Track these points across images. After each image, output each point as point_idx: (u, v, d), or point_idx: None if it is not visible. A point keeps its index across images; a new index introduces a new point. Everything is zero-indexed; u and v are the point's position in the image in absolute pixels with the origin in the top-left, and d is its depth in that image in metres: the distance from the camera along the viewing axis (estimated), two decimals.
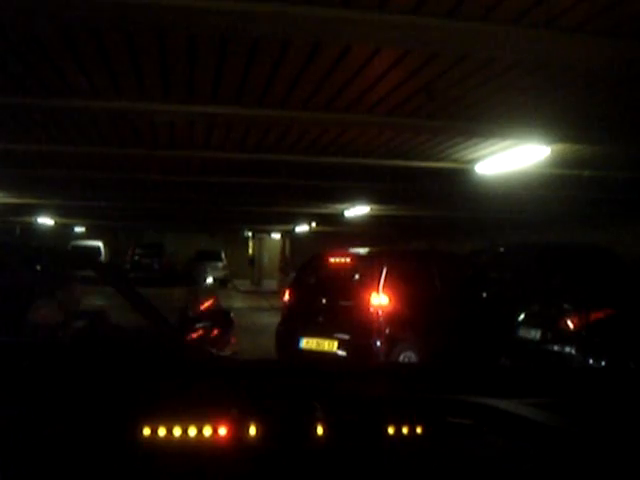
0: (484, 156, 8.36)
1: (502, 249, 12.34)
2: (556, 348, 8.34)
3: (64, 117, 6.75)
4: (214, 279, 27.22)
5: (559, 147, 7.39)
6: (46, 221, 22.97)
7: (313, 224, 22.70)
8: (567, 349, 8.22)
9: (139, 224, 26.54)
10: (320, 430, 1.26)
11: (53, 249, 13.53)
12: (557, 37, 4.04)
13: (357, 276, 9.11)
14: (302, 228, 24.49)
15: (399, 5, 3.72)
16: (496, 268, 11.09)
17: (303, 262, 10.61)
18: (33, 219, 21.86)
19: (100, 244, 30.18)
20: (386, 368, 2.13)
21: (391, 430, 1.26)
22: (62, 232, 27.48)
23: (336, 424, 1.29)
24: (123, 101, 5.80)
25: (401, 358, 8.53)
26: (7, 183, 12.25)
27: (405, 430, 1.27)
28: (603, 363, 7.89)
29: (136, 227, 28.67)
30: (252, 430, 1.23)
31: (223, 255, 31.01)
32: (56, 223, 24.06)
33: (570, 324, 8.25)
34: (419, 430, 1.27)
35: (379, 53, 4.54)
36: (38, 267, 5.00)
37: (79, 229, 30.41)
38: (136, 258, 28.83)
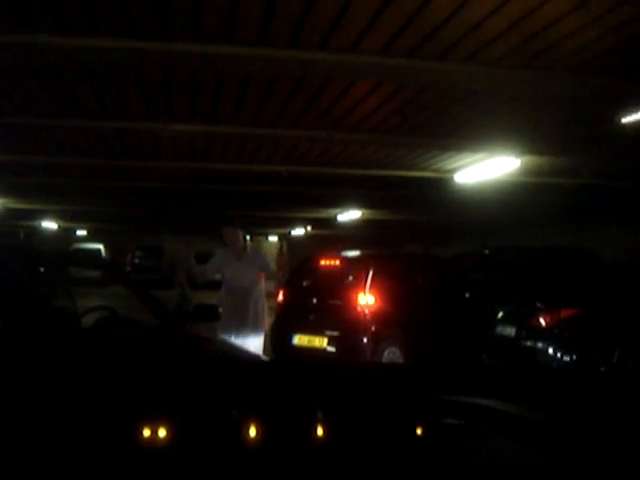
0: (462, 166, 9.05)
1: (487, 252, 12.91)
2: (529, 344, 8.92)
3: (76, 134, 7.44)
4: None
5: (528, 159, 8.07)
6: (50, 225, 23.74)
7: (309, 228, 23.32)
8: (539, 345, 8.79)
9: (139, 227, 27.20)
10: (320, 430, 1.27)
11: (70, 252, 14.08)
12: (504, 73, 4.76)
13: (346, 277, 9.67)
14: (298, 231, 25.10)
15: (368, 48, 4.42)
16: (481, 270, 11.67)
17: (296, 265, 11.19)
18: (37, 223, 22.61)
19: (101, 247, 30.63)
20: (384, 369, 2.10)
21: (391, 430, 1.27)
22: (64, 235, 28.09)
23: (336, 424, 1.30)
24: (130, 121, 6.50)
25: (386, 354, 9.09)
26: (16, 190, 12.93)
27: (404, 430, 1.28)
28: (572, 357, 8.48)
29: (136, 230, 29.26)
30: (252, 430, 1.23)
31: None
32: (60, 227, 24.80)
33: (542, 321, 8.83)
34: (419, 431, 1.30)
35: (356, 84, 5.25)
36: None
37: (81, 232, 31.02)
38: (136, 261, 29.31)
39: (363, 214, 15.95)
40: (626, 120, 5.93)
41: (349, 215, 16.49)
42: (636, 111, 5.75)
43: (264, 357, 4.25)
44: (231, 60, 4.45)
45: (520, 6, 3.85)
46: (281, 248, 29.95)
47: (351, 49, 4.41)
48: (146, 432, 1.14)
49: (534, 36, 4.26)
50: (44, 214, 20.10)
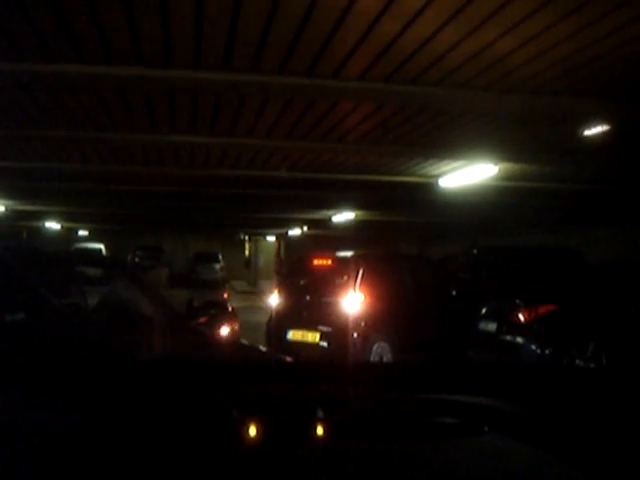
0: (445, 172, 9.69)
1: (475, 251, 13.47)
2: (509, 338, 9.45)
3: (85, 144, 8.07)
4: (209, 280, 27.84)
5: (505, 166, 8.71)
6: (53, 225, 24.46)
7: (305, 228, 23.91)
8: (518, 339, 9.31)
9: (139, 227, 27.83)
10: (320, 430, 1.24)
11: (86, 253, 14.29)
12: (469, 95, 5.38)
13: (337, 276, 10.20)
14: (295, 231, 25.67)
15: (348, 74, 5.04)
16: (469, 269, 12.23)
17: (290, 264, 11.74)
18: (41, 224, 23.30)
19: (102, 246, 31.06)
20: (384, 368, 2.11)
21: (389, 430, 1.23)
22: (66, 235, 28.66)
23: (336, 424, 1.27)
24: (136, 133, 7.13)
25: (374, 348, 9.60)
26: (24, 193, 13.56)
27: (404, 429, 1.25)
28: (549, 350, 9.02)
29: (136, 230, 29.84)
30: (252, 430, 1.22)
31: (220, 257, 31.85)
32: (62, 227, 25.47)
33: (521, 317, 9.35)
34: (418, 431, 1.25)
35: (339, 103, 5.87)
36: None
37: (82, 232, 31.58)
38: (137, 260, 29.82)
39: (356, 215, 16.57)
40: (587, 133, 6.58)
41: (343, 216, 17.12)
42: (595, 126, 6.39)
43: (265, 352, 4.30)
44: (228, 85, 5.07)
45: (477, 41, 4.45)
46: (278, 249, 30.44)
47: (333, 76, 5.02)
48: (153, 430, 1.13)
49: (493, 64, 4.87)
50: (48, 215, 20.78)
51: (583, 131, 6.51)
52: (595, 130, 6.44)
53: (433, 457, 1.09)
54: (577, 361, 8.68)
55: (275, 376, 1.50)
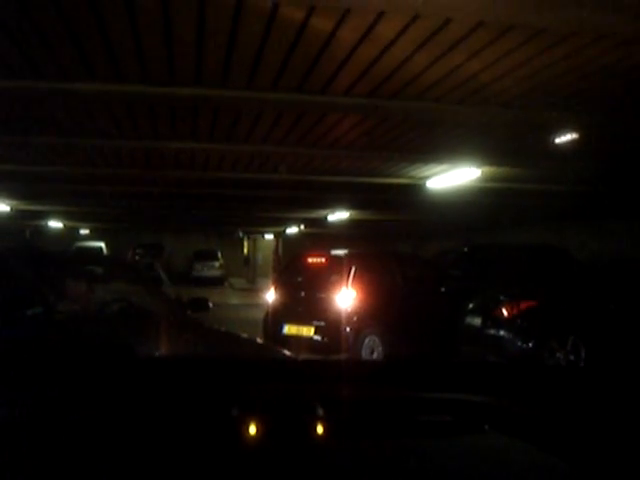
0: (432, 175, 10.23)
1: (466, 249, 13.92)
2: (492, 332, 9.91)
3: (92, 151, 8.59)
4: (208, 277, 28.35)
5: (487, 169, 9.24)
6: (56, 224, 25.05)
7: (302, 226, 24.40)
8: (501, 333, 9.75)
9: (140, 226, 28.32)
10: (320, 430, 1.25)
11: (91, 253, 14.55)
12: (447, 107, 5.91)
13: (331, 273, 10.63)
14: (292, 230, 26.16)
15: (334, 90, 5.57)
16: (460, 266, 12.69)
17: (286, 262, 12.22)
18: (44, 222, 23.83)
19: (102, 244, 31.38)
20: (381, 366, 2.06)
21: (389, 429, 1.23)
22: (68, 234, 29.12)
23: (336, 424, 1.27)
24: (140, 141, 7.65)
25: (366, 342, 10.04)
26: (29, 195, 14.07)
27: (403, 427, 1.25)
28: (530, 343, 9.47)
29: (137, 229, 30.32)
30: (252, 429, 1.22)
31: (219, 255, 32.29)
32: (65, 226, 25.99)
33: (504, 312, 9.80)
34: (418, 429, 1.24)
35: (327, 115, 6.40)
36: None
37: (84, 231, 32.04)
38: (137, 258, 30.21)
39: (350, 215, 17.09)
40: (558, 140, 7.12)
41: (338, 215, 17.63)
42: (564, 134, 6.94)
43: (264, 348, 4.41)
44: (225, 100, 5.60)
45: (448, 63, 4.97)
46: (276, 247, 30.85)
47: (321, 92, 5.55)
48: (153, 427, 1.13)
49: (464, 82, 5.41)
50: (51, 214, 21.29)
51: (554, 138, 7.06)
52: (565, 138, 6.99)
53: (433, 456, 1.09)
54: (557, 354, 9.08)
55: (275, 374, 1.53)
